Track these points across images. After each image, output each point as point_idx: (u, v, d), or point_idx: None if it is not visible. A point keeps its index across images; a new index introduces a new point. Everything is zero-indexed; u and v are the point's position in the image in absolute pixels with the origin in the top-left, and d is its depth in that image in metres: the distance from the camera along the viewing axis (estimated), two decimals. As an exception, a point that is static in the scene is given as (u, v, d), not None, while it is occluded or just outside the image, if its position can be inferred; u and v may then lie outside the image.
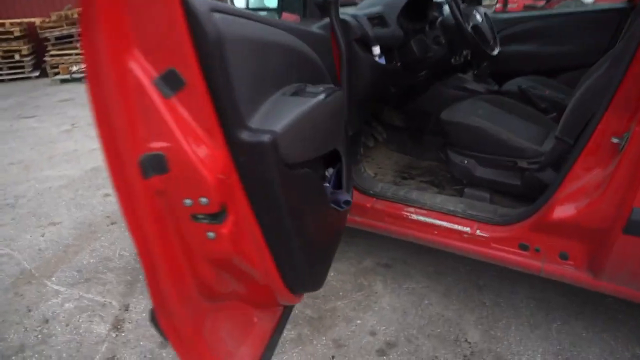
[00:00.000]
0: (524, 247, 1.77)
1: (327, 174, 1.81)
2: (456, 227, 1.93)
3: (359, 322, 2.09)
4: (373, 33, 2.01)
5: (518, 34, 2.90)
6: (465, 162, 2.10)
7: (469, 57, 2.67)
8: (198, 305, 1.11)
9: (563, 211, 1.62)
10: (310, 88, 1.35)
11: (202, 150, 0.96)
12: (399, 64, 2.27)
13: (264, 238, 1.15)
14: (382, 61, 2.13)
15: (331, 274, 2.43)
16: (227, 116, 1.00)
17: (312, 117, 1.22)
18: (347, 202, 1.53)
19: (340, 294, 2.28)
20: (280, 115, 1.11)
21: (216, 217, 1.00)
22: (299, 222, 1.21)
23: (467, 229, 1.90)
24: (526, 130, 2.08)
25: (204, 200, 0.96)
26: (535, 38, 2.87)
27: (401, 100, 2.75)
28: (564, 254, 1.68)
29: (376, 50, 2.06)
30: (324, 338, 2.02)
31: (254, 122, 1.06)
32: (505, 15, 3.24)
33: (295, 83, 1.36)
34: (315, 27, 1.75)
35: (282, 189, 1.10)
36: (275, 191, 1.09)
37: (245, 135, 1.02)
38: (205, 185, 0.95)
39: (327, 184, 1.54)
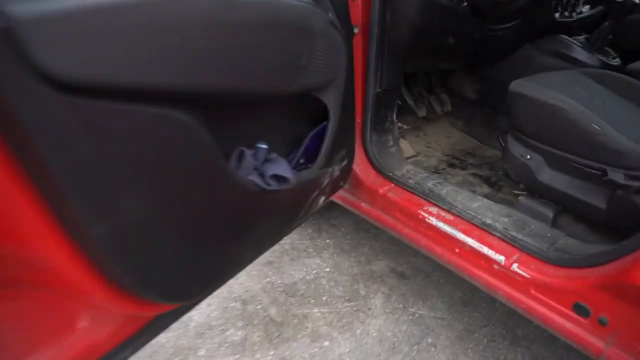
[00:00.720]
0: (581, 311, 1.08)
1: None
2: (485, 250, 1.27)
3: (326, 343, 1.54)
4: None
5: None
6: (528, 157, 1.39)
7: (582, 12, 1.85)
8: None
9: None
10: None
11: None
12: (465, 4, 1.58)
13: (48, 200, 0.65)
14: None
15: (326, 268, 1.88)
16: None
17: (175, 16, 0.67)
18: (281, 179, 0.95)
19: (324, 298, 1.73)
20: None
21: None
22: (120, 187, 0.68)
23: (501, 258, 1.23)
24: (641, 127, 1.31)
25: None
26: None
27: (471, 62, 2.02)
28: (652, 343, 0.97)
29: None
30: (271, 352, 1.50)
31: None
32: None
33: None
34: None
35: (47, 125, 0.58)
36: (33, 125, 0.57)
37: None
38: None
39: (264, 145, 0.98)
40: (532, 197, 1.43)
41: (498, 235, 1.29)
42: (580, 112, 1.26)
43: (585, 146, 1.24)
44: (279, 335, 1.57)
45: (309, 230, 2.08)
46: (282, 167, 0.97)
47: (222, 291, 1.74)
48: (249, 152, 0.93)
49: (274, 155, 1.01)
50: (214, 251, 0.89)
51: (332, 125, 1.20)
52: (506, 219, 1.34)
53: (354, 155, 1.44)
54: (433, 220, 1.40)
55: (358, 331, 1.59)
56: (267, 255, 1.92)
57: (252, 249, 1.06)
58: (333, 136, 1.21)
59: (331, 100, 1.17)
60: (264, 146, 0.98)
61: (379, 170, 1.59)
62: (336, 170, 1.28)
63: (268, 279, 1.81)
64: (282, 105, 1.14)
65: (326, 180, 1.23)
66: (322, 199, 1.27)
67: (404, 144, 1.94)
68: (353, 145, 1.42)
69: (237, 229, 0.94)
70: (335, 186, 1.34)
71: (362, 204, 1.64)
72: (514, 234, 1.27)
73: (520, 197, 1.46)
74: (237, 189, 0.88)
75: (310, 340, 1.55)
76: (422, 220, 1.43)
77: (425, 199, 1.46)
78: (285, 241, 2.00)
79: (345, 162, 1.34)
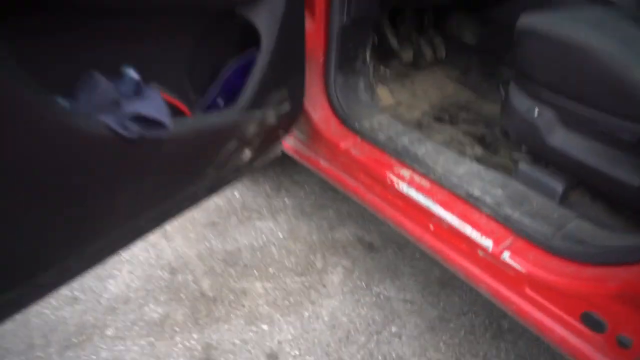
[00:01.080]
0: (592, 324, 0.78)
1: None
2: (468, 231, 0.96)
3: (265, 327, 1.26)
4: None
5: None
6: (536, 112, 1.06)
7: None
8: None
9: None
10: None
11: None
12: None
13: None
14: None
15: (279, 234, 1.58)
16: None
17: None
18: (152, 124, 0.62)
19: (271, 270, 1.44)
20: None
21: None
22: None
23: (488, 243, 0.93)
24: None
25: None
26: None
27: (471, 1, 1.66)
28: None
29: None
30: (195, 336, 1.22)
31: None
32: None
33: None
34: None
35: None
36: None
37: None
38: None
39: (132, 71, 0.63)
40: (537, 165, 1.11)
41: (487, 211, 0.98)
42: (615, 56, 0.93)
43: (618, 100, 0.91)
44: (207, 314, 1.28)
45: (267, 187, 1.76)
46: (153, 106, 0.63)
47: (148, 256, 1.44)
48: (103, 81, 0.59)
49: (152, 88, 0.67)
50: (24, 230, 0.57)
51: (263, 54, 0.86)
52: (500, 191, 1.03)
53: (302, 99, 1.11)
54: (404, 187, 1.09)
55: (306, 314, 1.31)
56: (211, 215, 1.61)
57: (116, 225, 0.73)
58: (264, 69, 0.88)
59: (263, 20, 0.85)
60: (133, 72, 0.64)
61: (342, 120, 1.26)
62: (270, 115, 0.95)
63: (207, 244, 1.50)
64: (191, 23, 0.80)
65: (252, 129, 0.90)
66: (248, 152, 0.94)
67: (382, 91, 1.60)
68: (301, 86, 1.09)
69: (72, 196, 0.61)
70: (270, 136, 1.02)
71: (320, 160, 1.32)
72: (508, 211, 0.96)
73: (520, 164, 1.14)
74: (71, 136, 0.54)
75: (245, 322, 1.27)
76: (390, 186, 1.12)
77: (397, 159, 1.14)
78: (236, 199, 1.68)
79: (286, 106, 1.00)
